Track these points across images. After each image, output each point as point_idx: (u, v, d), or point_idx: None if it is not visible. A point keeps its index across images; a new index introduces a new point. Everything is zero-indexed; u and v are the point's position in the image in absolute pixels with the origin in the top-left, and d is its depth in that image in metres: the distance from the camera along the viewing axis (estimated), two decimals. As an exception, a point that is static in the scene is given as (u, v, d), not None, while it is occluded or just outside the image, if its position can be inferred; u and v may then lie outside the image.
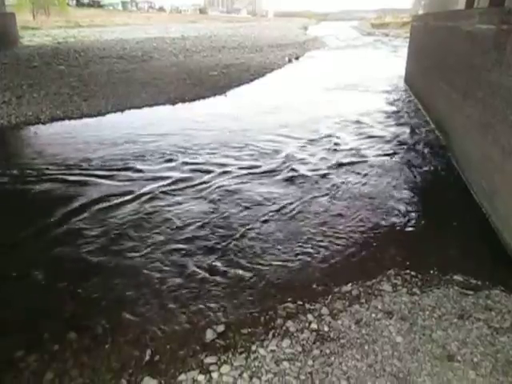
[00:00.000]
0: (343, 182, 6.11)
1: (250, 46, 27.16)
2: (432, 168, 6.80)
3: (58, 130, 8.84)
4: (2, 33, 23.04)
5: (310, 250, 4.29)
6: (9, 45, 22.70)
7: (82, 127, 9.08)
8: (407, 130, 9.05)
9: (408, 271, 3.91)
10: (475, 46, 6.21)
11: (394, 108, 11.19)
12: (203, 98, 12.00)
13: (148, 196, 5.59)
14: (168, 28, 49.59)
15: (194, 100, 11.69)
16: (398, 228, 4.83)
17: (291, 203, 5.38)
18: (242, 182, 6.08)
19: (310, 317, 3.29)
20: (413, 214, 5.17)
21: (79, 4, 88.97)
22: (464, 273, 3.88)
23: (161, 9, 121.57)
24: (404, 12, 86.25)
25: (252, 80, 15.20)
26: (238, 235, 4.57)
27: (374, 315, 3.30)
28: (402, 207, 5.34)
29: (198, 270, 3.95)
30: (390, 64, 20.60)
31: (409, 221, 5.00)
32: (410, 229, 4.84)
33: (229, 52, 23.55)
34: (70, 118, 9.72)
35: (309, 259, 4.14)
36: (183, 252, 4.26)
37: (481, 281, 3.77)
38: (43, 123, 9.33)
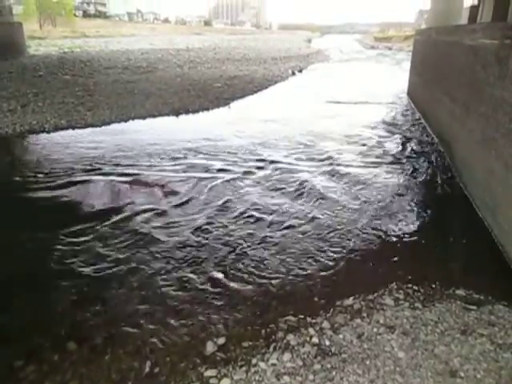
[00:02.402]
0: (343, 192, 6.12)
1: (253, 58, 27.34)
2: (434, 181, 6.79)
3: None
4: (10, 42, 23.32)
5: (312, 262, 4.28)
6: (15, 54, 22.97)
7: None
8: (409, 142, 9.04)
9: (410, 285, 3.89)
10: (478, 60, 6.24)
11: (396, 120, 11.22)
12: (207, 109, 12.06)
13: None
14: (173, 39, 50.08)
15: (197, 111, 11.74)
16: (399, 241, 4.81)
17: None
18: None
19: (311, 330, 3.27)
20: (415, 228, 5.15)
21: (86, 15, 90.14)
22: (467, 287, 3.86)
23: (166, 20, 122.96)
24: (407, 26, 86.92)
25: (255, 92, 15.27)
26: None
27: (375, 329, 3.27)
28: (404, 220, 5.33)
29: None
30: (392, 77, 20.68)
31: (410, 234, 4.98)
32: (412, 242, 4.81)
33: (233, 64, 23.71)
34: (74, 128, 9.77)
35: (310, 271, 4.13)
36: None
37: (484, 296, 3.74)
38: (47, 132, 9.39)
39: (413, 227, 5.18)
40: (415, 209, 5.74)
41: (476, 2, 9.95)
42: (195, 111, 11.72)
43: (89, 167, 7.15)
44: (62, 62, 21.75)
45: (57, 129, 9.62)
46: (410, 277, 4.03)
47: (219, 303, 3.64)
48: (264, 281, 3.96)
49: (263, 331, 3.29)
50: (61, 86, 14.68)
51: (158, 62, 22.73)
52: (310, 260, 4.34)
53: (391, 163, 7.65)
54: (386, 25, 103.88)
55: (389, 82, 18.87)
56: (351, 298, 3.68)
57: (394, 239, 4.87)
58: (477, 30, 6.66)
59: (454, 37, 8.26)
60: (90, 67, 19.93)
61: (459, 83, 7.34)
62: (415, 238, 4.92)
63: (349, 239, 4.82)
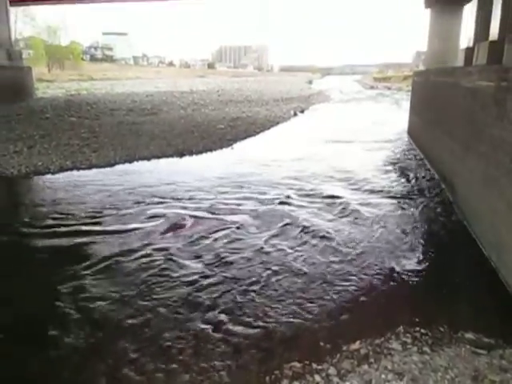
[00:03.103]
0: (347, 231, 6.08)
1: (256, 100, 27.93)
2: (437, 219, 6.76)
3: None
4: (19, 86, 24.10)
5: (317, 306, 4.21)
6: (24, 97, 23.67)
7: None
8: (411, 180, 9.10)
9: (417, 328, 3.79)
10: (476, 101, 6.36)
11: (397, 159, 11.32)
12: (210, 150, 12.17)
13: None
14: (177, 82, 51.54)
15: (201, 152, 11.86)
16: (404, 282, 4.74)
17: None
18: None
19: (317, 377, 3.16)
20: (420, 268, 5.08)
21: (93, 58, 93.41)
22: (475, 330, 3.75)
23: (170, 63, 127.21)
24: (405, 66, 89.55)
25: (258, 133, 15.45)
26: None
27: (383, 376, 3.17)
28: (408, 260, 5.26)
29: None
30: (392, 116, 21.02)
31: (416, 274, 4.90)
32: (418, 283, 4.74)
33: (235, 105, 24.20)
34: (78, 169, 9.90)
35: (315, 315, 4.05)
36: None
37: (493, 339, 3.64)
38: (52, 173, 9.51)
39: (418, 267, 5.11)
40: (419, 248, 5.69)
41: (471, 44, 10.26)
42: (199, 152, 11.84)
43: (101, 210, 7.11)
44: (68, 104, 22.34)
45: (62, 170, 9.75)
46: (416, 319, 3.94)
47: (222, 348, 3.55)
48: (268, 324, 3.88)
49: (267, 378, 3.19)
50: (67, 127, 15.00)
51: (163, 104, 23.27)
52: (314, 303, 4.26)
53: (394, 201, 7.65)
54: (384, 65, 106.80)
55: (389, 122, 19.14)
56: (357, 343, 3.58)
57: (400, 280, 4.79)
58: (473, 72, 6.83)
59: (452, 78, 8.47)
60: (95, 109, 20.43)
61: (459, 123, 7.45)
62: (421, 278, 4.84)
63: (353, 280, 4.75)
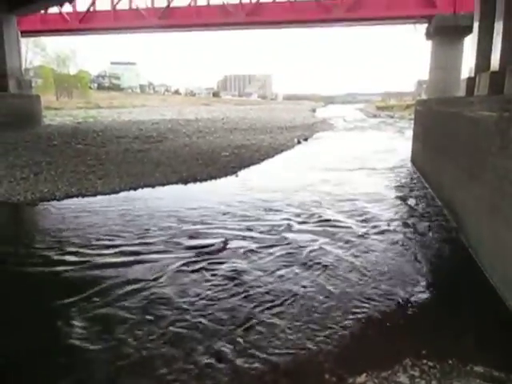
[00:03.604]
0: (352, 258, 6.04)
1: (260, 128, 28.19)
2: (442, 248, 6.70)
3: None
4: (28, 114, 24.63)
5: (321, 336, 4.14)
6: (33, 124, 24.17)
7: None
8: (414, 207, 9.08)
9: (425, 361, 3.71)
10: (478, 131, 6.40)
11: (400, 186, 11.32)
12: (215, 178, 12.19)
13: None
14: (182, 110, 52.27)
15: (205, 180, 11.89)
16: (410, 314, 4.67)
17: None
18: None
19: (322, 412, 3.09)
20: (426, 298, 5.02)
21: (100, 87, 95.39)
22: (485, 364, 3.67)
23: (176, 92, 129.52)
24: (407, 95, 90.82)
25: (262, 160, 15.51)
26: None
27: (391, 411, 3.09)
28: (414, 290, 5.19)
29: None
30: (395, 145, 21.05)
31: (422, 305, 4.84)
32: (424, 314, 4.67)
33: (240, 133, 24.42)
34: (84, 195, 9.95)
35: (320, 345, 3.98)
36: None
37: (504, 373, 3.55)
38: (58, 200, 9.56)
39: (424, 297, 5.05)
40: (425, 276, 5.62)
41: (472, 74, 10.39)
42: (203, 180, 11.88)
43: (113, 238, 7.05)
44: (75, 131, 22.71)
45: (67, 196, 9.80)
46: (424, 351, 3.86)
47: (224, 380, 3.49)
48: (271, 356, 3.81)
49: (272, 412, 3.12)
50: (73, 154, 15.19)
51: (168, 132, 23.56)
52: (319, 332, 4.20)
53: (398, 228, 7.61)
54: (386, 94, 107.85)
55: (392, 150, 19.17)
56: (364, 376, 3.50)
57: (406, 309, 4.73)
58: (475, 102, 6.91)
59: (454, 108, 8.55)
60: (102, 137, 20.72)
61: (462, 152, 7.49)
62: (427, 308, 4.78)
63: (359, 310, 4.68)
